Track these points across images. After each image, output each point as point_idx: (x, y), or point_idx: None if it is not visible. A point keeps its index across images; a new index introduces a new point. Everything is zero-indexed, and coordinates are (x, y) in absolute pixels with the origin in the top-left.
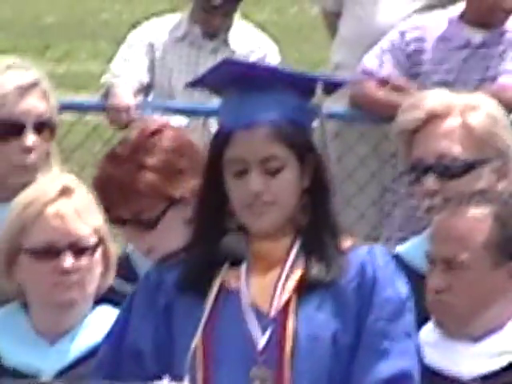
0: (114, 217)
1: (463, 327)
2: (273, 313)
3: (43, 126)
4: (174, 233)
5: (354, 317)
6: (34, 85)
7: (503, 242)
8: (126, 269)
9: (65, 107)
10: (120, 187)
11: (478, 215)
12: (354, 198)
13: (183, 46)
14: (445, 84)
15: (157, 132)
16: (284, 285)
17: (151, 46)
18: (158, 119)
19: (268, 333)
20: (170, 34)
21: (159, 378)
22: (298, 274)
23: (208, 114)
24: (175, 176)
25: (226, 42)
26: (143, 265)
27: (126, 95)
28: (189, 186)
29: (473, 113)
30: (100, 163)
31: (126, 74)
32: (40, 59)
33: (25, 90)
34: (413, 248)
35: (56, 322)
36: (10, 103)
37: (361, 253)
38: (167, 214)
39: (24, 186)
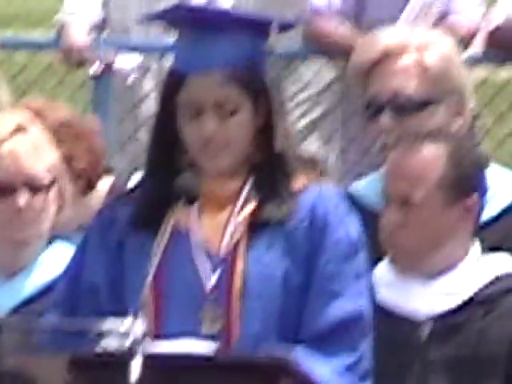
0: None
1: (416, 265)
2: (223, 252)
3: None
4: None
5: (304, 257)
6: None
7: (456, 180)
8: None
9: (19, 45)
10: None
11: (432, 153)
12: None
13: None
14: (392, 20)
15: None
16: (234, 224)
17: None
18: (110, 56)
19: (218, 272)
20: None
21: (114, 314)
22: (248, 212)
23: (164, 50)
24: None
25: None
26: None
27: (79, 34)
28: None
29: (428, 50)
30: None
31: (79, 11)
32: None
33: None
34: (366, 186)
35: (11, 259)
36: None
37: (312, 193)
38: None
39: None
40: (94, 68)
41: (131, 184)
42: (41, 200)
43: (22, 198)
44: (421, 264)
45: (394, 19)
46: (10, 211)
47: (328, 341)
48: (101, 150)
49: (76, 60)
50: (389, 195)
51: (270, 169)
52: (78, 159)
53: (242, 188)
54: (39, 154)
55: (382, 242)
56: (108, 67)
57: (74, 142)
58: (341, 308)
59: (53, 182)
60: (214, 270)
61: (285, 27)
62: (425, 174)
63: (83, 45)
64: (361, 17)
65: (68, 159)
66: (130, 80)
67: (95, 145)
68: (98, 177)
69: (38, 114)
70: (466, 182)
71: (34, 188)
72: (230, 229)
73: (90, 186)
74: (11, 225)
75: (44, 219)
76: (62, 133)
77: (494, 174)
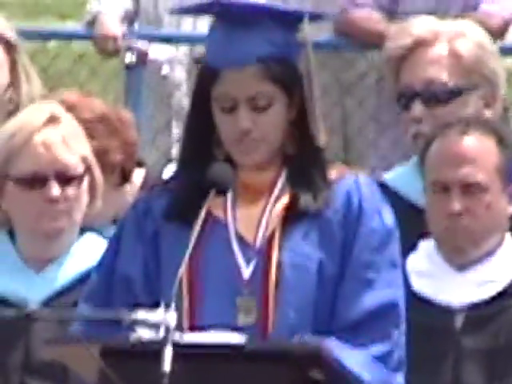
0: None
1: (475, 252)
2: (258, 243)
3: None
4: None
5: (339, 247)
6: None
7: (506, 165)
8: None
9: (51, 35)
10: None
11: (484, 138)
12: (339, 126)
13: None
14: (425, 11)
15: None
16: (270, 215)
17: None
18: (145, 46)
19: (253, 263)
20: None
21: (149, 306)
22: (283, 204)
23: (195, 42)
24: None
25: None
26: None
27: (112, 23)
28: None
29: (460, 39)
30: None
31: (110, 2)
32: None
33: None
34: (399, 176)
35: (42, 251)
36: None
37: (347, 183)
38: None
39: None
40: (129, 57)
41: (164, 176)
42: (73, 191)
43: (55, 189)
44: (477, 250)
45: (427, 11)
46: (42, 202)
47: (361, 330)
48: (135, 143)
49: (111, 49)
50: (447, 183)
51: (304, 160)
52: (113, 152)
53: (276, 179)
54: (71, 145)
55: (439, 231)
56: (143, 56)
57: (109, 136)
58: (375, 297)
59: (85, 173)
60: (249, 261)
61: (316, 18)
62: (484, 159)
63: (117, 34)
64: (394, 8)
65: (103, 152)
66: (165, 70)
67: (130, 138)
68: (132, 169)
69: (74, 107)
70: (510, 168)
71: (67, 179)
72: (265, 220)
73: (124, 178)
74: (43, 215)
75: (76, 210)
76: (97, 127)
77: None
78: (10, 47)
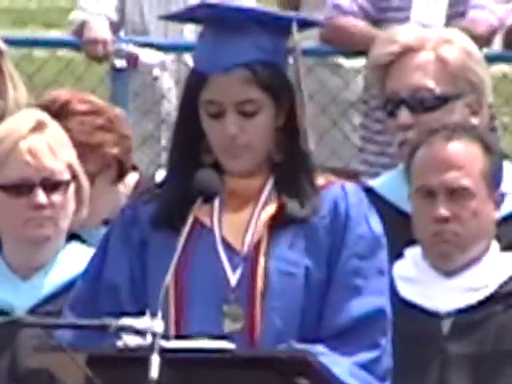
0: None
1: (461, 257)
2: (245, 250)
3: None
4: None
5: (326, 254)
6: None
7: (492, 171)
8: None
9: (37, 43)
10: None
11: (469, 145)
12: (326, 134)
13: None
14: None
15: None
16: (256, 222)
17: None
18: (133, 52)
19: (239, 270)
20: None
21: (135, 314)
22: (270, 211)
23: (181, 49)
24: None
25: None
26: None
27: (102, 29)
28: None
29: (447, 46)
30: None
31: (94, 10)
32: None
33: None
34: (386, 183)
35: (29, 258)
36: None
37: (334, 190)
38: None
39: None
40: (119, 62)
41: (155, 181)
42: (59, 198)
43: (41, 196)
44: (463, 256)
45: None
46: (28, 209)
47: (349, 337)
48: (130, 137)
49: (101, 53)
50: (433, 188)
51: (291, 167)
52: (109, 145)
53: (263, 186)
54: (57, 152)
55: (426, 237)
56: (134, 60)
57: (104, 129)
58: (362, 304)
59: (71, 180)
60: (235, 268)
61: (306, 25)
62: (470, 164)
63: (107, 38)
64: (380, 16)
65: (99, 145)
66: (155, 72)
67: (125, 131)
68: (128, 164)
69: (68, 102)
70: (496, 173)
71: (53, 186)
72: (251, 227)
73: (121, 173)
74: (29, 222)
75: (62, 217)
76: (93, 120)
77: (508, 170)
78: None
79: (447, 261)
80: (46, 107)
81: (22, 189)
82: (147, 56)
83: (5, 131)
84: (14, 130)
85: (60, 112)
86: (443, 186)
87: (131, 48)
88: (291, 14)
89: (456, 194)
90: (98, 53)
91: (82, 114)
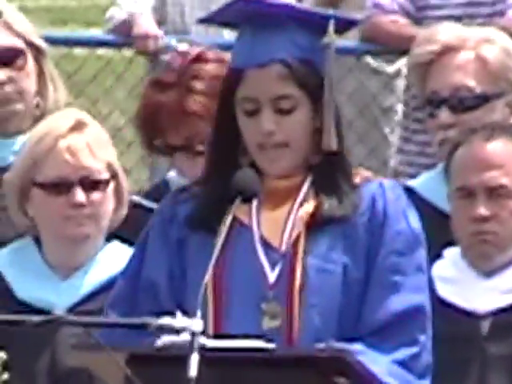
0: (164, 145)
1: (501, 257)
2: (283, 247)
3: (12, 57)
4: None
5: (364, 251)
6: None
7: None
8: (164, 195)
9: (77, 42)
10: (170, 113)
11: (510, 144)
12: (366, 134)
13: None
14: (451, 18)
15: (199, 57)
16: (295, 220)
17: None
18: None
19: (278, 268)
20: None
21: (174, 314)
22: (308, 209)
23: (223, 49)
24: None
25: None
26: None
27: (151, 24)
28: None
29: (487, 46)
30: (144, 92)
31: (132, 9)
32: None
33: None
34: (426, 182)
35: (68, 257)
36: None
37: (371, 187)
38: None
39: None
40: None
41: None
42: (98, 196)
43: (80, 194)
44: (503, 256)
45: (454, 18)
46: (67, 208)
47: (388, 334)
48: None
49: (152, 48)
50: (473, 188)
51: (328, 167)
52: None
53: (301, 185)
54: (96, 151)
55: (465, 237)
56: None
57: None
58: (401, 301)
59: (110, 179)
60: (274, 265)
61: (343, 26)
62: (510, 163)
63: (158, 33)
64: (421, 15)
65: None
66: None
67: None
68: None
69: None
70: None
71: (91, 184)
72: (289, 224)
73: None
74: (69, 221)
75: (102, 216)
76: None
77: None
78: (38, 55)
79: (487, 261)
80: None
81: (60, 187)
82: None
83: (44, 130)
84: (54, 128)
85: (190, 70)
86: (482, 185)
87: (179, 44)
88: (329, 11)
89: (495, 193)
90: (148, 47)
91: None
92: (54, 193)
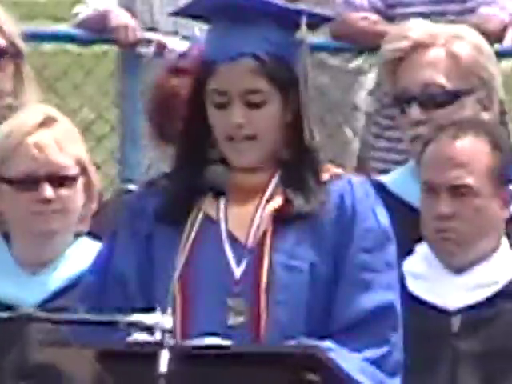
0: (175, 132)
1: (464, 255)
2: (250, 243)
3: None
4: None
5: (332, 248)
6: None
7: (499, 169)
8: None
9: (47, 36)
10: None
11: (477, 142)
12: (337, 129)
13: None
14: (422, 15)
15: None
16: (262, 215)
17: None
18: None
19: (244, 263)
20: None
21: (143, 309)
22: (276, 204)
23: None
24: None
25: None
26: None
27: (125, 15)
28: None
29: (458, 42)
30: (160, 79)
31: (99, 5)
32: None
33: None
34: (397, 178)
35: (37, 253)
36: None
37: (340, 184)
38: None
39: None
40: (147, 49)
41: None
42: (66, 192)
43: (48, 190)
44: (466, 254)
45: (423, 15)
46: (35, 203)
47: (358, 332)
48: None
49: (131, 39)
50: (436, 185)
51: (297, 164)
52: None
53: (269, 181)
54: (65, 147)
55: (427, 233)
56: (161, 48)
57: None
58: (371, 299)
59: (80, 175)
60: (240, 261)
61: (316, 22)
62: (475, 162)
63: (135, 25)
64: (390, 12)
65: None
66: None
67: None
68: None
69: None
70: (505, 171)
71: (60, 180)
72: (256, 219)
73: None
74: (37, 217)
75: (70, 212)
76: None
77: None
78: (17, 56)
79: (450, 258)
80: None
81: (28, 183)
82: (174, 44)
83: (13, 125)
84: (22, 124)
85: None
86: (446, 183)
87: (157, 36)
88: (301, 7)
89: (459, 191)
90: (128, 38)
91: None
92: (22, 188)
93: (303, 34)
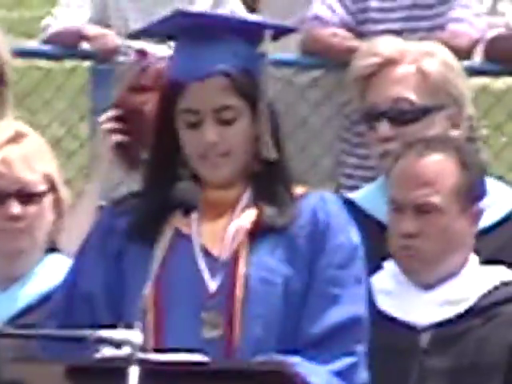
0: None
1: (429, 273)
2: (224, 256)
3: None
4: None
5: (306, 263)
6: None
7: (467, 186)
8: None
9: (17, 53)
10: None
11: (444, 160)
12: (307, 145)
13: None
14: (392, 32)
15: None
16: (235, 229)
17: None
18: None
19: (219, 277)
20: None
21: (111, 326)
22: (249, 218)
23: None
24: None
25: None
26: None
27: (97, 28)
28: None
29: (428, 59)
30: (122, 96)
31: (68, 20)
32: None
33: None
34: (366, 194)
35: (6, 270)
36: None
37: (312, 199)
38: None
39: None
40: (125, 57)
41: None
42: (34, 209)
43: (15, 207)
44: (431, 272)
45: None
46: (3, 220)
47: (325, 346)
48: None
49: (111, 46)
50: (402, 203)
51: (268, 177)
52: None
53: (241, 196)
54: (33, 163)
55: (393, 250)
56: (143, 53)
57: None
58: (339, 313)
59: (48, 191)
60: (215, 275)
61: (281, 32)
62: (440, 180)
63: (113, 34)
64: (361, 28)
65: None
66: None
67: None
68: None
69: None
70: (474, 188)
71: (27, 197)
72: (230, 233)
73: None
74: (3, 234)
75: (38, 228)
76: None
77: (488, 184)
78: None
79: (415, 275)
80: None
81: None
82: (155, 50)
83: None
84: None
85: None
86: (410, 201)
87: (136, 43)
88: (266, 20)
89: (424, 210)
90: (108, 45)
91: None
92: None
93: (266, 46)
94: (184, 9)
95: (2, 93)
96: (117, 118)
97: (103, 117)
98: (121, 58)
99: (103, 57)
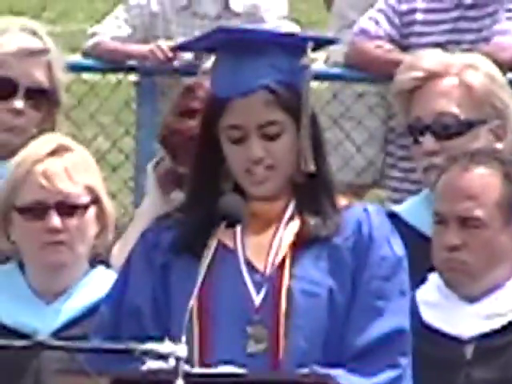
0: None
1: (473, 285)
2: (268, 270)
3: (37, 94)
4: None
5: (349, 275)
6: (40, 52)
7: (511, 199)
8: None
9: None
10: None
11: (489, 173)
12: (351, 158)
13: (187, 16)
14: (437, 45)
15: None
16: (279, 242)
17: (153, 16)
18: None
19: (263, 291)
20: (172, 2)
21: (158, 339)
22: (293, 231)
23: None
24: None
25: (227, 6)
26: None
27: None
28: None
29: (471, 72)
30: (170, 122)
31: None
32: (37, 19)
33: (29, 54)
34: (411, 207)
35: (50, 282)
36: (9, 63)
37: (356, 211)
38: None
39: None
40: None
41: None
42: (75, 222)
43: (55, 219)
44: (476, 285)
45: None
46: (44, 233)
47: (368, 359)
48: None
49: (171, 54)
50: (446, 216)
51: (312, 188)
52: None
53: (285, 208)
54: (74, 175)
55: (437, 263)
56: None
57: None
58: (383, 326)
59: (91, 203)
60: (259, 288)
61: (322, 45)
62: (484, 194)
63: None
64: (406, 42)
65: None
66: None
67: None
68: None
69: None
70: None
71: (68, 209)
72: (274, 247)
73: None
74: (46, 248)
75: (81, 241)
76: None
77: None
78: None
79: (459, 288)
80: None
81: (36, 212)
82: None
83: (25, 154)
84: (33, 153)
85: None
86: (454, 214)
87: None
88: (306, 33)
89: (468, 223)
90: (167, 53)
91: None
92: (31, 217)
93: (308, 59)
94: (225, 25)
95: (54, 113)
96: (170, 144)
97: (157, 169)
98: (181, 59)
99: (160, 66)
